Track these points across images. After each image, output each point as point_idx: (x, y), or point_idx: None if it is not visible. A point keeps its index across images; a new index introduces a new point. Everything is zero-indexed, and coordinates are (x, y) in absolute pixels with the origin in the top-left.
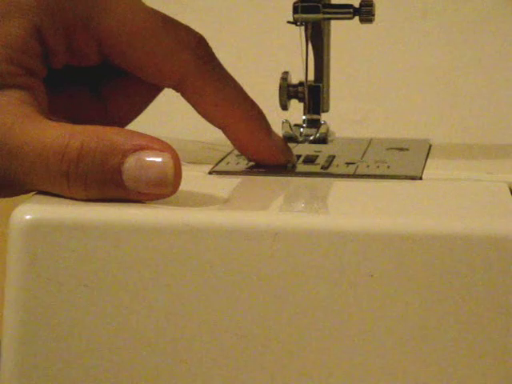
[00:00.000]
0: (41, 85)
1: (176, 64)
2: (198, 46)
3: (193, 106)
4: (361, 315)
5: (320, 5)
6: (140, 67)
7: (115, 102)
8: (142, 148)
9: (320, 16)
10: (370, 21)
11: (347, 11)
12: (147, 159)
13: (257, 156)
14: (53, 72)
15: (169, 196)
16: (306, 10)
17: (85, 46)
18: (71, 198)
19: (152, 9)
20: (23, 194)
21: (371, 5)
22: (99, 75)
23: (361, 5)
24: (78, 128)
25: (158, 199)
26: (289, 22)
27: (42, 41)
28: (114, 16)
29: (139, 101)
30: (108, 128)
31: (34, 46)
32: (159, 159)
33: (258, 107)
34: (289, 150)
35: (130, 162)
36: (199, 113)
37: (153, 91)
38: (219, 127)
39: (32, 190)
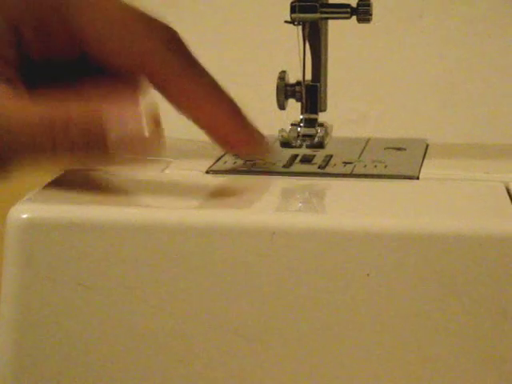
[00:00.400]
0: (16, 74)
1: (147, 52)
2: (170, 40)
3: (166, 97)
4: (357, 314)
5: (317, 4)
6: (112, 55)
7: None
8: (124, 114)
9: (317, 15)
10: (368, 20)
11: (345, 11)
12: (129, 124)
13: (230, 144)
14: (31, 68)
15: (151, 157)
16: (303, 10)
17: (59, 36)
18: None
19: (127, 2)
20: (5, 173)
21: (369, 5)
22: (78, 74)
23: (358, 4)
24: (61, 102)
25: (140, 163)
26: (286, 22)
27: (15, 30)
28: (89, 5)
29: None
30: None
31: (6, 34)
32: (140, 123)
33: (231, 97)
34: (263, 138)
35: (113, 127)
36: (172, 104)
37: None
38: (191, 118)
39: (12, 167)
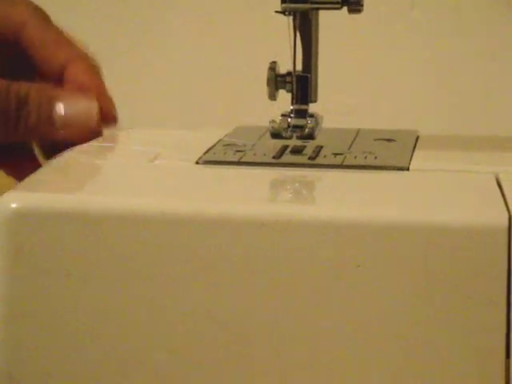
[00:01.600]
0: None
1: (16, 12)
2: (36, 7)
3: (33, 51)
4: (348, 306)
5: None
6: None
7: None
8: (70, 95)
9: (308, 6)
10: (359, 11)
11: (335, 1)
12: (74, 104)
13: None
14: None
15: (94, 138)
16: (294, 0)
17: None
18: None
19: None
20: None
21: None
22: None
23: None
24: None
25: (84, 141)
26: (277, 12)
27: None
28: None
29: None
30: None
31: None
32: (85, 104)
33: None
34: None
35: (60, 107)
36: (39, 56)
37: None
38: (59, 67)
39: None
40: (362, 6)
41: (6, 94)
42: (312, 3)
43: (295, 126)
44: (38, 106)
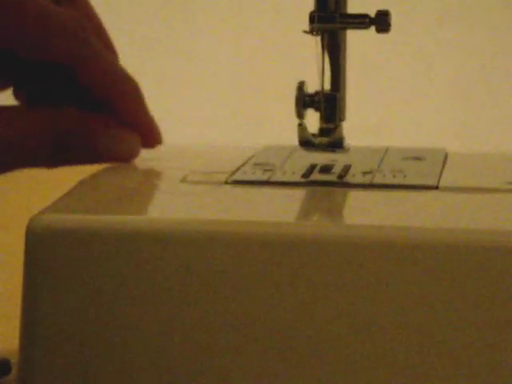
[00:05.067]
0: None
1: (67, 31)
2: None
3: (82, 76)
4: (377, 326)
5: (336, 14)
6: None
7: None
8: (114, 127)
9: (336, 26)
10: (387, 30)
11: (363, 21)
12: (119, 135)
13: (138, 129)
14: None
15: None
16: (322, 20)
17: None
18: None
19: None
20: None
21: (387, 14)
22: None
23: (377, 14)
24: (55, 113)
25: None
26: (305, 32)
27: None
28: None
29: None
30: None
31: None
32: (129, 137)
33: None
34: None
35: (106, 139)
36: (87, 83)
37: None
38: (104, 99)
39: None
40: (390, 25)
41: (51, 127)
42: (340, 23)
43: (324, 130)
44: (82, 139)
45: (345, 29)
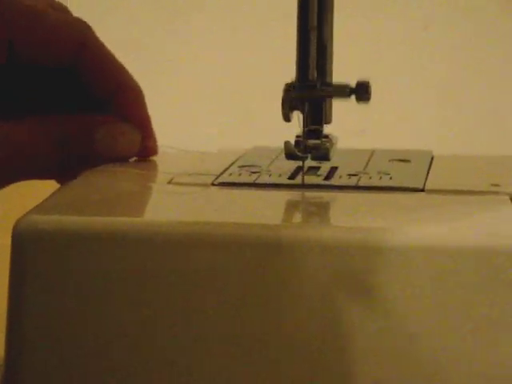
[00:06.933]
0: None
1: (75, 32)
2: (89, 26)
3: (87, 75)
4: (364, 327)
5: (318, 83)
6: (41, 42)
7: None
8: (110, 121)
9: (317, 94)
10: (367, 99)
11: (343, 90)
12: (116, 129)
13: (140, 129)
14: None
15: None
16: (302, 88)
17: None
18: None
19: None
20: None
21: (367, 85)
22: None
23: (357, 85)
24: (49, 119)
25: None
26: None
27: None
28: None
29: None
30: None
31: None
32: (126, 128)
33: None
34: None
35: (102, 134)
36: (91, 81)
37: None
38: (109, 94)
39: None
40: (370, 94)
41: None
42: (321, 91)
43: (310, 147)
44: (79, 139)
45: (325, 97)
